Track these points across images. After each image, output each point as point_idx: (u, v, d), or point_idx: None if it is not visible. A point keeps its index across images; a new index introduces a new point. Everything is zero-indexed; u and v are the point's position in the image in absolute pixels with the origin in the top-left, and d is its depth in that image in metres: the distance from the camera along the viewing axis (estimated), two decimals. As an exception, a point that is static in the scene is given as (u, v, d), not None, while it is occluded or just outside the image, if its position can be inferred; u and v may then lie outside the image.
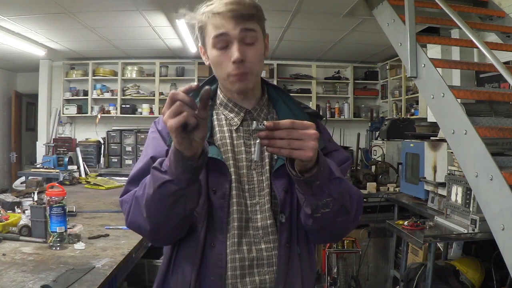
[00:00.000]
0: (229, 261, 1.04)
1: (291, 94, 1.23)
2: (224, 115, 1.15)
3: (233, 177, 1.07)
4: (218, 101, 1.17)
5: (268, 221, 1.08)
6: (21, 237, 2.03)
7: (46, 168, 4.97)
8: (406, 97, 5.90)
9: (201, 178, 0.98)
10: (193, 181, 0.92)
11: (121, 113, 6.57)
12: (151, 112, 6.66)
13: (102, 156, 6.42)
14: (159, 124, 1.15)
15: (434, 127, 3.72)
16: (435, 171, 3.16)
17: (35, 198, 2.60)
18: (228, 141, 1.11)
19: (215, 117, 1.15)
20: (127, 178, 1.12)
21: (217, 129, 1.13)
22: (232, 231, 1.05)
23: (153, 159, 1.03)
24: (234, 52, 1.02)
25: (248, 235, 1.06)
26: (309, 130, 0.87)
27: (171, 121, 0.81)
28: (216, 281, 1.04)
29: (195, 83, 0.83)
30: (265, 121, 0.86)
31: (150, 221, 0.98)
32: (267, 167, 1.09)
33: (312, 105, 6.70)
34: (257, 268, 1.06)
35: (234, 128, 1.13)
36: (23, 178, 5.13)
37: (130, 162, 6.39)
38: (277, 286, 1.05)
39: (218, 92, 1.18)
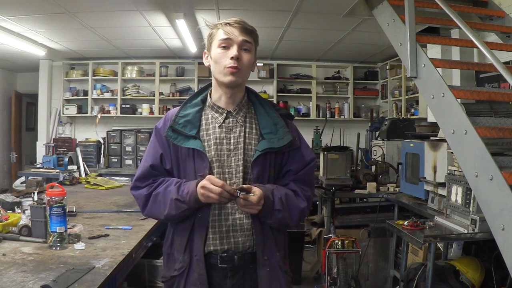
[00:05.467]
0: (210, 227, 1.42)
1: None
2: (211, 115, 1.49)
3: (214, 164, 1.42)
4: (207, 104, 1.51)
5: None
6: (21, 237, 2.03)
7: (46, 168, 4.97)
8: (406, 97, 5.90)
9: (190, 165, 1.43)
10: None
11: (121, 113, 6.58)
12: (151, 112, 6.66)
13: (102, 156, 6.42)
14: (159, 124, 1.51)
15: (434, 127, 3.71)
16: (435, 171, 3.16)
17: (35, 198, 2.60)
18: (212, 136, 1.46)
19: (203, 117, 1.49)
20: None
21: (204, 126, 1.47)
22: (214, 204, 1.40)
23: (152, 167, 1.48)
24: (234, 51, 1.40)
25: (227, 207, 1.43)
26: (256, 205, 1.35)
27: (215, 197, 1.31)
28: (202, 241, 1.42)
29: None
30: (239, 190, 1.33)
31: (167, 219, 1.47)
32: (242, 156, 1.44)
33: (312, 105, 6.71)
34: (233, 233, 1.43)
35: (218, 125, 1.47)
36: (23, 178, 5.13)
37: (130, 162, 6.40)
38: (257, 247, 1.43)
39: (208, 97, 1.52)
